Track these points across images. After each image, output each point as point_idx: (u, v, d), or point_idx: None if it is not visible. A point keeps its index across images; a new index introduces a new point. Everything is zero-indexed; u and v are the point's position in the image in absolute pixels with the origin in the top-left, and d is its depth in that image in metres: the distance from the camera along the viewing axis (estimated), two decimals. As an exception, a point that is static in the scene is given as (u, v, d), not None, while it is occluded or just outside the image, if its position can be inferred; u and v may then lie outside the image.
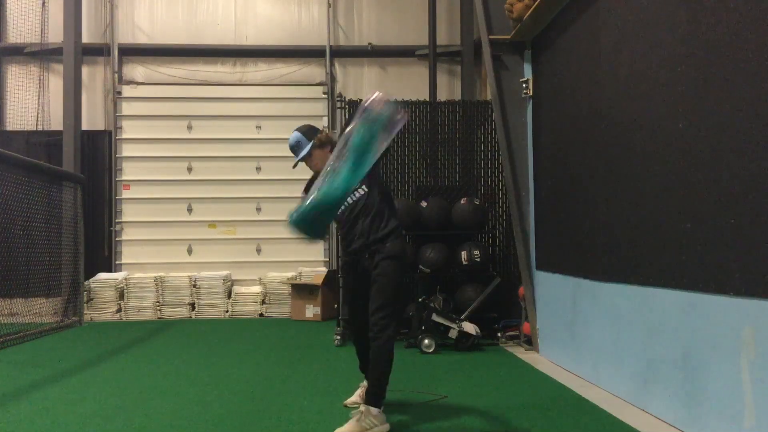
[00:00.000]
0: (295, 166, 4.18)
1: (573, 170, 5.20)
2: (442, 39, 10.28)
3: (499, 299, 6.97)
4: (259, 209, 10.24)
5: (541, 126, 6.06)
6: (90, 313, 9.11)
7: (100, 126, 10.36)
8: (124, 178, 10.23)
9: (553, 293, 5.76)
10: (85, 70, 10.25)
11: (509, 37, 6.24)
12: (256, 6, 10.60)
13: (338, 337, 6.71)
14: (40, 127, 10.17)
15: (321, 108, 10.25)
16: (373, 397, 3.65)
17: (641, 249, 4.01)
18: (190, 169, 10.25)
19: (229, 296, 9.42)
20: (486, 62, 6.50)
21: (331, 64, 10.50)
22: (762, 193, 2.87)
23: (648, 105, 3.93)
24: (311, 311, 8.85)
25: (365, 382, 3.91)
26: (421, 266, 6.87)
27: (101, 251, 10.14)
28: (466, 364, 5.66)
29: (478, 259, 6.81)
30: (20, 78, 10.34)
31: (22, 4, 10.29)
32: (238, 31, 10.53)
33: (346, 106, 7.37)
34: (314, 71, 10.51)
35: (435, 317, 6.25)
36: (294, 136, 4.11)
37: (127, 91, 10.33)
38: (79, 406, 4.24)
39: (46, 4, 10.28)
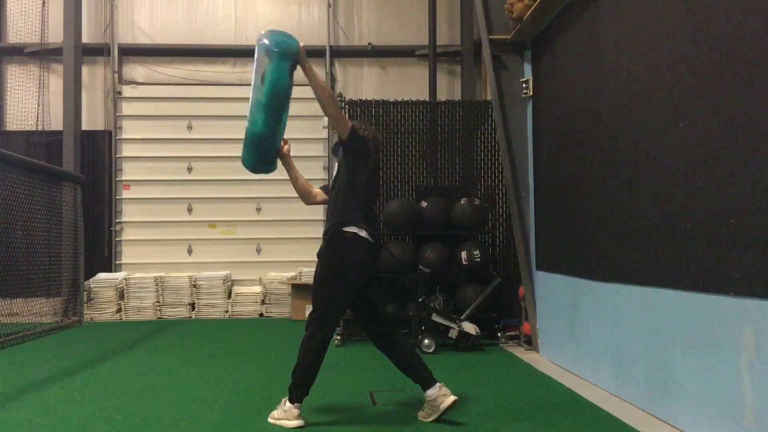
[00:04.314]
0: None
1: (573, 170, 5.20)
2: (442, 39, 10.28)
3: (499, 299, 6.97)
4: (259, 209, 10.24)
5: (541, 126, 6.06)
6: (90, 313, 9.11)
7: (100, 126, 10.37)
8: (124, 178, 10.23)
9: (553, 293, 5.76)
10: (85, 70, 10.25)
11: (509, 37, 6.24)
12: (256, 6, 10.60)
13: (338, 337, 6.71)
14: (40, 127, 10.18)
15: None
16: (291, 390, 3.74)
17: (641, 249, 4.01)
18: (190, 169, 10.26)
19: (229, 296, 9.42)
20: (486, 62, 6.50)
21: (331, 64, 10.51)
22: (762, 193, 2.87)
23: (648, 105, 3.93)
24: (311, 311, 8.84)
25: (431, 390, 3.77)
26: (421, 266, 6.87)
27: (101, 251, 10.15)
28: (466, 364, 5.66)
29: (478, 259, 6.81)
30: (20, 78, 10.35)
31: (22, 4, 10.30)
32: (238, 31, 10.54)
33: (347, 106, 7.36)
34: (314, 71, 10.50)
35: (435, 317, 6.25)
36: None
37: (127, 91, 10.33)
38: (80, 406, 4.24)
39: (46, 4, 10.28)
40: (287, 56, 3.72)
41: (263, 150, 3.85)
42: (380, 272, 3.85)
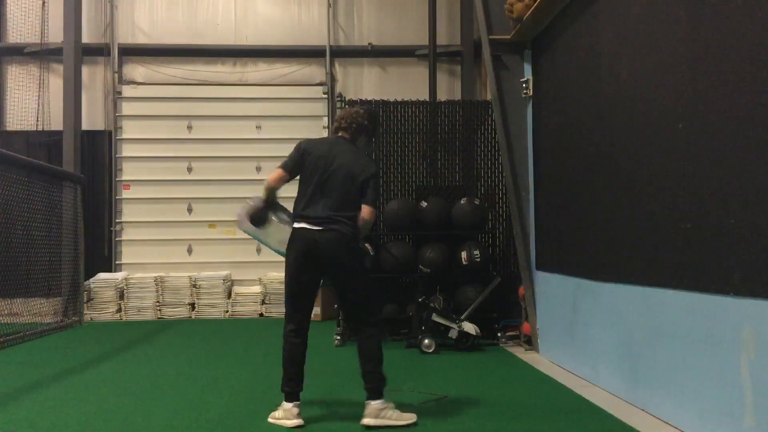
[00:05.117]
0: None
1: (573, 170, 5.19)
2: (442, 39, 10.28)
3: (499, 299, 6.96)
4: (259, 209, 10.22)
5: (541, 126, 6.06)
6: (90, 313, 9.11)
7: (100, 126, 10.36)
8: (124, 178, 10.23)
9: (553, 293, 5.76)
10: (85, 70, 10.25)
11: (509, 37, 6.24)
12: (256, 6, 10.60)
13: (338, 337, 6.72)
14: (40, 127, 10.18)
15: (321, 108, 10.25)
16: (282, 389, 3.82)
17: (641, 249, 4.01)
18: (190, 169, 10.25)
19: (229, 296, 9.42)
20: (486, 62, 6.50)
21: (331, 64, 10.51)
22: (762, 192, 2.87)
23: (648, 105, 3.93)
24: (311, 311, 8.84)
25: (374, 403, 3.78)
26: (421, 266, 6.87)
27: (101, 251, 10.14)
28: (466, 364, 5.66)
29: (478, 259, 6.80)
30: (20, 78, 10.35)
31: (22, 4, 10.30)
32: (238, 31, 10.53)
33: (346, 106, 7.36)
34: (314, 71, 10.51)
35: (435, 317, 6.25)
36: None
37: (127, 91, 10.33)
38: (79, 406, 4.24)
39: (46, 4, 10.28)
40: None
41: None
42: (341, 262, 3.81)
